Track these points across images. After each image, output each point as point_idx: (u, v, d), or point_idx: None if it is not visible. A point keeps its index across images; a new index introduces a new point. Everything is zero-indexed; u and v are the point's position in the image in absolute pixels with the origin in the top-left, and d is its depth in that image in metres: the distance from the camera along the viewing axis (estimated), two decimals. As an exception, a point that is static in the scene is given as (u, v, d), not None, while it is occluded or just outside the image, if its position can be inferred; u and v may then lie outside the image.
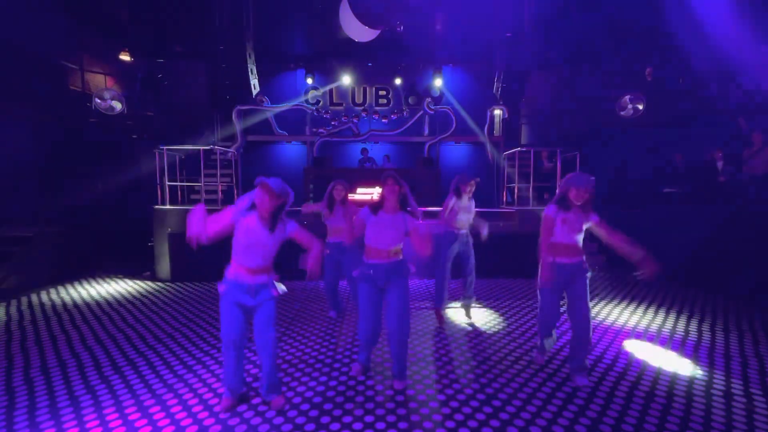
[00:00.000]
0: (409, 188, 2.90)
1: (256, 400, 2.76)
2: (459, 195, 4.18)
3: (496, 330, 4.20)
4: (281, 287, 2.61)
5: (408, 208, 2.85)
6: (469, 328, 4.24)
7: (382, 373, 3.19)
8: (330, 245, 4.44)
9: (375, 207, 2.85)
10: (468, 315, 4.56)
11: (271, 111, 10.49)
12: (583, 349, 2.99)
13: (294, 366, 3.32)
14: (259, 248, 2.49)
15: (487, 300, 5.34)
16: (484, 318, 4.57)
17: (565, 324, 4.17)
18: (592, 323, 3.01)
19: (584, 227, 2.95)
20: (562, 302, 3.10)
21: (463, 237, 4.33)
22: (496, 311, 4.86)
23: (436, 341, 3.88)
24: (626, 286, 6.05)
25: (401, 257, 2.90)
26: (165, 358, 3.49)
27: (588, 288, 2.98)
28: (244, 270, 2.50)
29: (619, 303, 5.19)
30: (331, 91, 12.15)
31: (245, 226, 2.47)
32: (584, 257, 3.01)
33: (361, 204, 3.95)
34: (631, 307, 5.00)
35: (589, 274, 2.99)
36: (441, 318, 4.40)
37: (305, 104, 10.91)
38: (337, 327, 4.30)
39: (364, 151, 10.31)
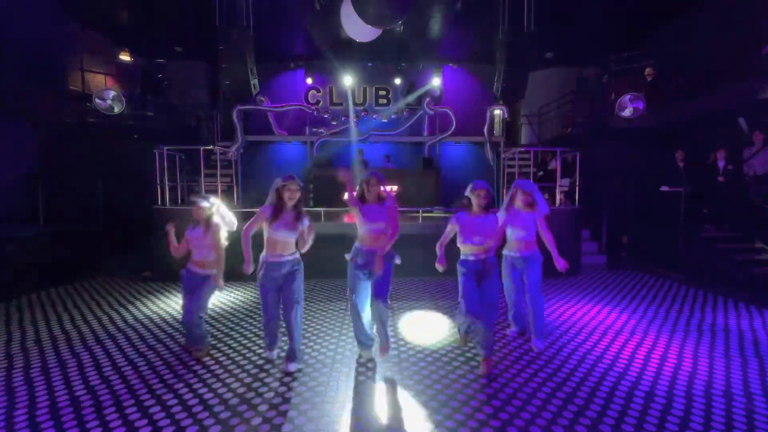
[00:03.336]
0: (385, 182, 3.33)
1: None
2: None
3: (495, 330, 4.19)
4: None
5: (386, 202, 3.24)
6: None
7: (383, 373, 3.20)
8: (267, 264, 3.08)
9: (362, 198, 3.25)
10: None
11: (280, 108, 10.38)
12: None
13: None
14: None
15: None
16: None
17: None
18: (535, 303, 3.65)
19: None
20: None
21: None
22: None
23: (435, 341, 3.88)
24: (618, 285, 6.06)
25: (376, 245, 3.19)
26: (165, 357, 3.50)
27: (532, 274, 3.64)
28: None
29: (619, 301, 5.20)
30: (330, 90, 12.15)
31: None
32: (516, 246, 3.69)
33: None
34: (631, 307, 5.01)
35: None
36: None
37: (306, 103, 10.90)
38: (337, 324, 4.30)
39: (360, 152, 10.21)
